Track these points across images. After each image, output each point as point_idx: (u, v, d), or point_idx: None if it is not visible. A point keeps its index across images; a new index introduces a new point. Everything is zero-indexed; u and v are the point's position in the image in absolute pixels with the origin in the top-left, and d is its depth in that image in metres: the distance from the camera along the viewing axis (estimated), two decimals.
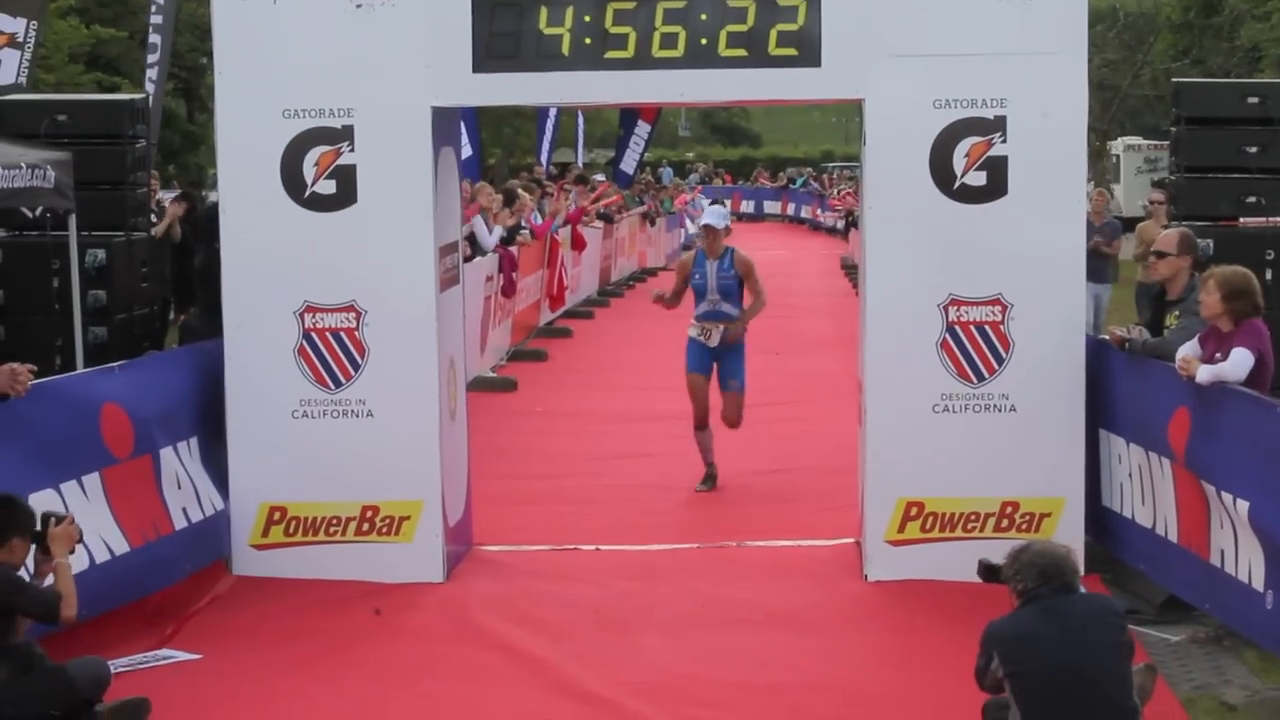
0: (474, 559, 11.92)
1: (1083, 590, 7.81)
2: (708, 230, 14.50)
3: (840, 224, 47.34)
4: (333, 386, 11.31)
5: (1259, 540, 9.06)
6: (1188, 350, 9.98)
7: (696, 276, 14.38)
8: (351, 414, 11.32)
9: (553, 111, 33.28)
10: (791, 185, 67.94)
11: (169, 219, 18.19)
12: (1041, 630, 7.50)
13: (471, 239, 18.93)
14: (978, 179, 11.03)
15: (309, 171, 11.24)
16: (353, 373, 11.30)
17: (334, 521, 11.34)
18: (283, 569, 11.30)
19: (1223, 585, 9.54)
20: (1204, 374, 9.73)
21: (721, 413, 14.51)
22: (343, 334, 11.29)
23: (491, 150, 43.48)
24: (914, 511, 11.17)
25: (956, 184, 11.04)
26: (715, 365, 14.42)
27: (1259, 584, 9.11)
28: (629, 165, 35.65)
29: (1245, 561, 9.26)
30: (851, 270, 27.31)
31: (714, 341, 14.33)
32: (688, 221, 48.74)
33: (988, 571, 8.01)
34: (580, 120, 40.90)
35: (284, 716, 8.84)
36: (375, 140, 11.21)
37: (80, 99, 19.75)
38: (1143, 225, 16.90)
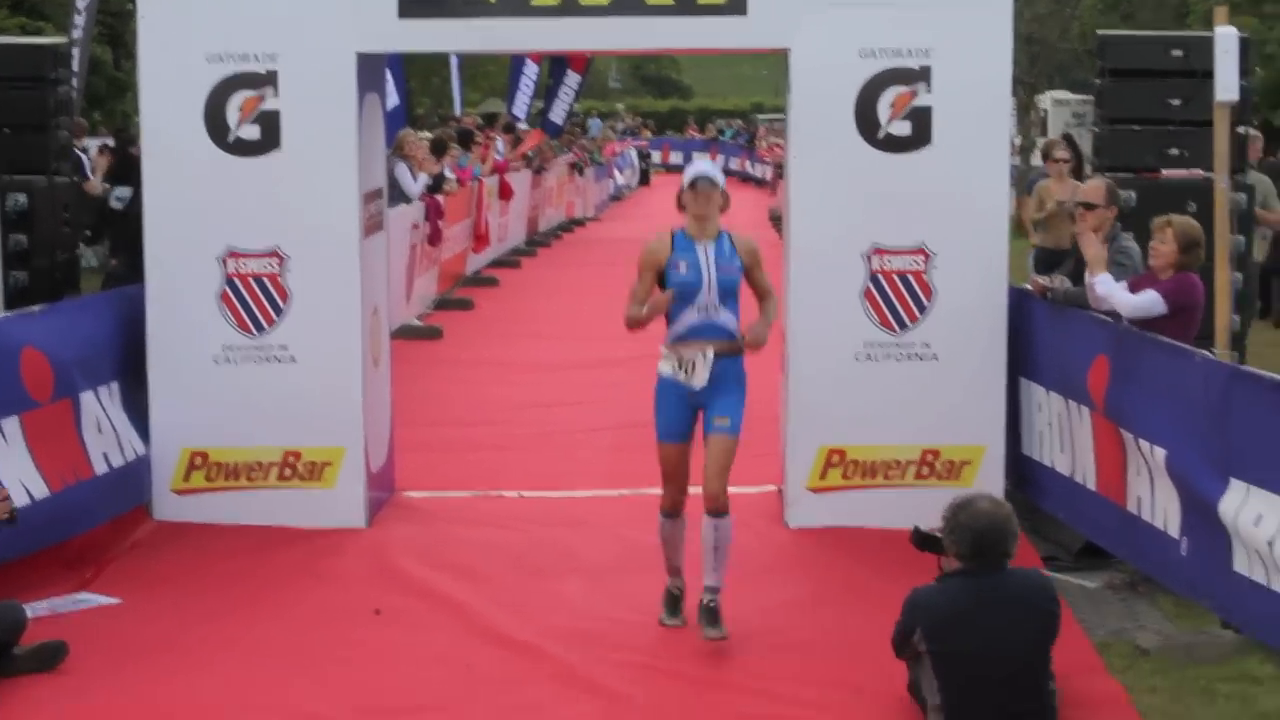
0: (396, 505, 11.92)
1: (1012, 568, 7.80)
2: (698, 192, 9.22)
3: (769, 176, 47.34)
4: (255, 332, 11.26)
5: (1175, 488, 9.15)
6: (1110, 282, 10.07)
7: (680, 270, 9.16)
8: (274, 360, 11.28)
9: (529, 62, 33.09)
10: (720, 137, 67.87)
11: (100, 172, 18.09)
12: (969, 609, 7.50)
13: (396, 187, 18.83)
14: (902, 129, 11.07)
15: (232, 116, 11.17)
16: (275, 318, 11.26)
17: (256, 467, 11.31)
18: (204, 514, 11.26)
19: (1139, 532, 9.64)
20: (1103, 285, 9.88)
21: (706, 474, 9.19)
22: (266, 280, 11.24)
23: (420, 100, 43.24)
24: (835, 459, 11.23)
25: (881, 133, 11.08)
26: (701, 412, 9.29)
27: (1174, 531, 9.21)
28: (558, 115, 35.49)
29: (1161, 509, 9.36)
30: (779, 222, 27.39)
31: (699, 380, 9.12)
32: (616, 172, 48.72)
33: (923, 540, 8.02)
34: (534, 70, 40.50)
35: (204, 661, 8.82)
36: (299, 86, 11.14)
37: (2, 42, 19.51)
38: (1043, 184, 16.81)
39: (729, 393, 9.18)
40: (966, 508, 7.68)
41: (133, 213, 12.95)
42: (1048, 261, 14.77)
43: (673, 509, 9.49)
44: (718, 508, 9.15)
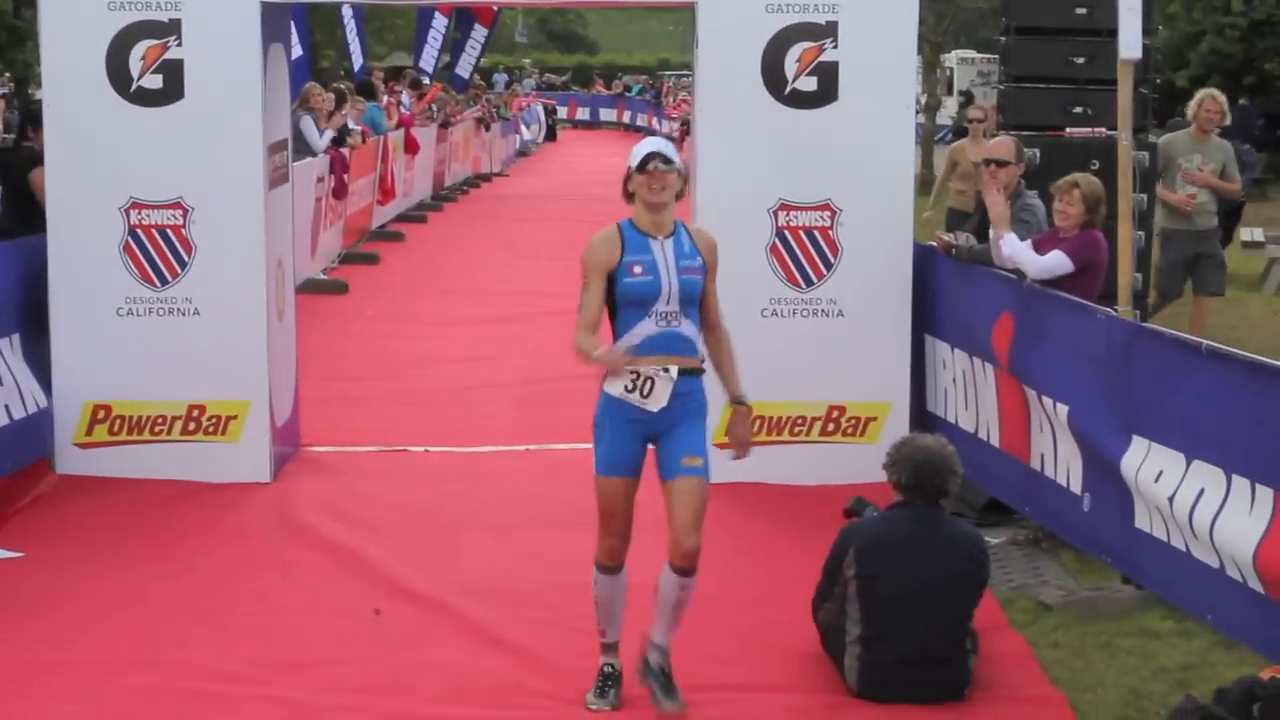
0: (301, 460, 11.85)
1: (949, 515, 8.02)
2: (651, 175, 7.58)
3: (676, 133, 47.31)
4: (159, 284, 11.15)
5: (1077, 444, 9.22)
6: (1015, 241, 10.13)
7: (635, 273, 7.54)
8: (178, 312, 11.17)
9: (437, 15, 32.81)
10: (627, 93, 67.76)
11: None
12: (902, 536, 7.69)
13: (301, 140, 18.67)
14: (809, 84, 11.06)
15: (135, 66, 11.02)
16: (179, 270, 11.14)
17: (159, 420, 11.20)
18: (107, 468, 11.15)
19: (1042, 488, 9.71)
20: (1008, 244, 9.94)
21: (672, 527, 7.59)
22: (169, 231, 11.12)
23: (325, 53, 42.86)
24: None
25: (788, 89, 11.07)
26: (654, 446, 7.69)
27: (1077, 487, 9.28)
28: (464, 69, 35.33)
29: (1064, 465, 9.42)
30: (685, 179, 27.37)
31: (657, 402, 7.51)
32: (522, 127, 48.53)
33: (856, 511, 8.27)
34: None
35: (106, 615, 8.75)
36: (203, 35, 11.01)
37: None
38: (958, 145, 16.84)
39: (693, 425, 7.57)
40: (910, 442, 7.98)
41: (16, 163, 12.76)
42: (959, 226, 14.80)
43: (612, 561, 7.72)
44: (691, 565, 7.55)
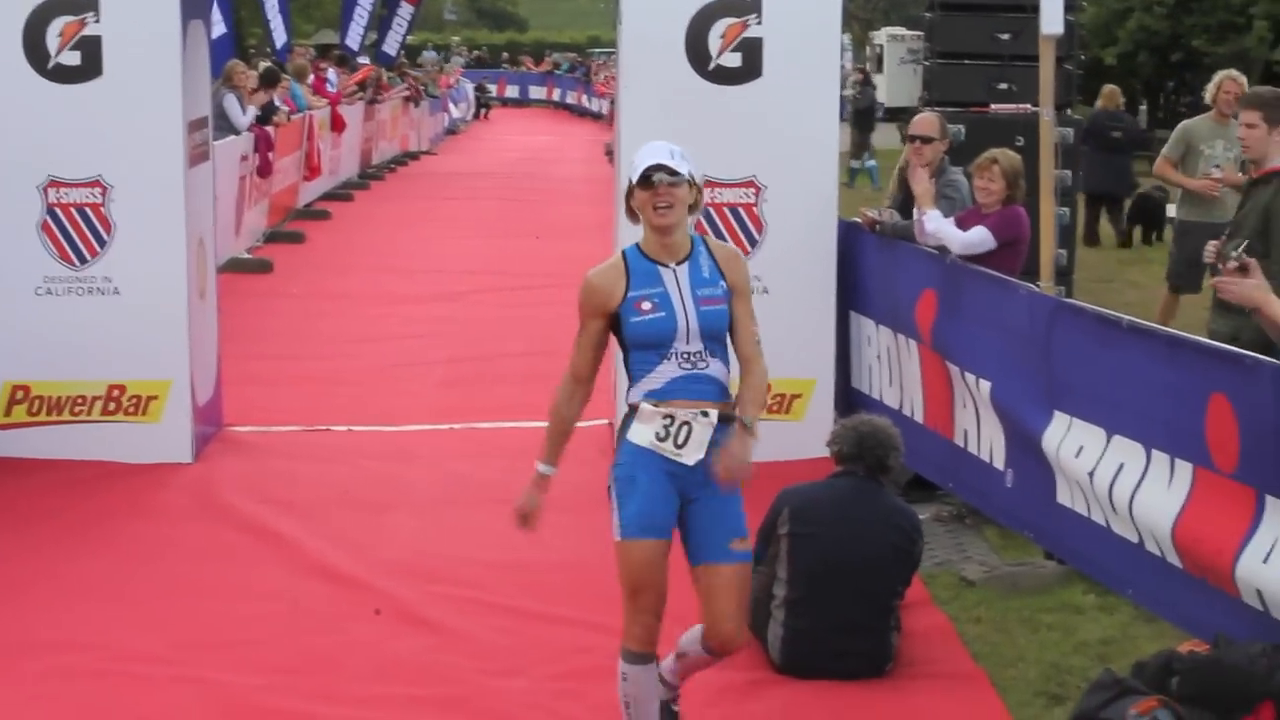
0: (223, 440, 11.75)
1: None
2: (656, 190, 6.36)
3: (605, 110, 47.25)
4: (78, 263, 11.03)
5: (1000, 420, 9.24)
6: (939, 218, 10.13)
7: (643, 311, 6.40)
8: (97, 291, 11.06)
9: None
10: (557, 70, 67.62)
11: None
12: (838, 500, 7.76)
13: (224, 118, 18.53)
14: (733, 60, 11.02)
15: (52, 42, 10.89)
16: (99, 249, 11.03)
17: (79, 401, 11.09)
18: (27, 449, 11.02)
19: (965, 464, 9.73)
20: (932, 221, 9.95)
21: (709, 613, 6.57)
22: (88, 209, 11.01)
23: (252, 30, 42.58)
24: None
25: (712, 65, 11.03)
26: (683, 511, 6.52)
27: (1000, 463, 9.30)
28: (391, 47, 35.14)
29: (987, 441, 9.44)
30: (614, 156, 27.50)
31: (695, 451, 6.41)
32: (450, 105, 48.34)
33: None
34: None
35: (24, 596, 8.66)
36: (122, 11, 10.90)
37: None
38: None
39: (733, 492, 6.46)
40: (855, 417, 8.10)
41: None
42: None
43: (644, 647, 6.51)
44: (729, 652, 6.67)
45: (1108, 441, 8.20)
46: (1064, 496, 8.60)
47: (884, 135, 35.17)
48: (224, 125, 18.27)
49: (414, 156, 37.56)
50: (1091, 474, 8.23)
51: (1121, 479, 8.02)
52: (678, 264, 6.43)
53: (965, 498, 9.94)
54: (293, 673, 7.76)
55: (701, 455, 6.37)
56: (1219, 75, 14.07)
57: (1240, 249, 7.58)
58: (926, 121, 10.98)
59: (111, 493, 10.47)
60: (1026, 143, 11.45)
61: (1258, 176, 9.15)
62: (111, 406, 11.11)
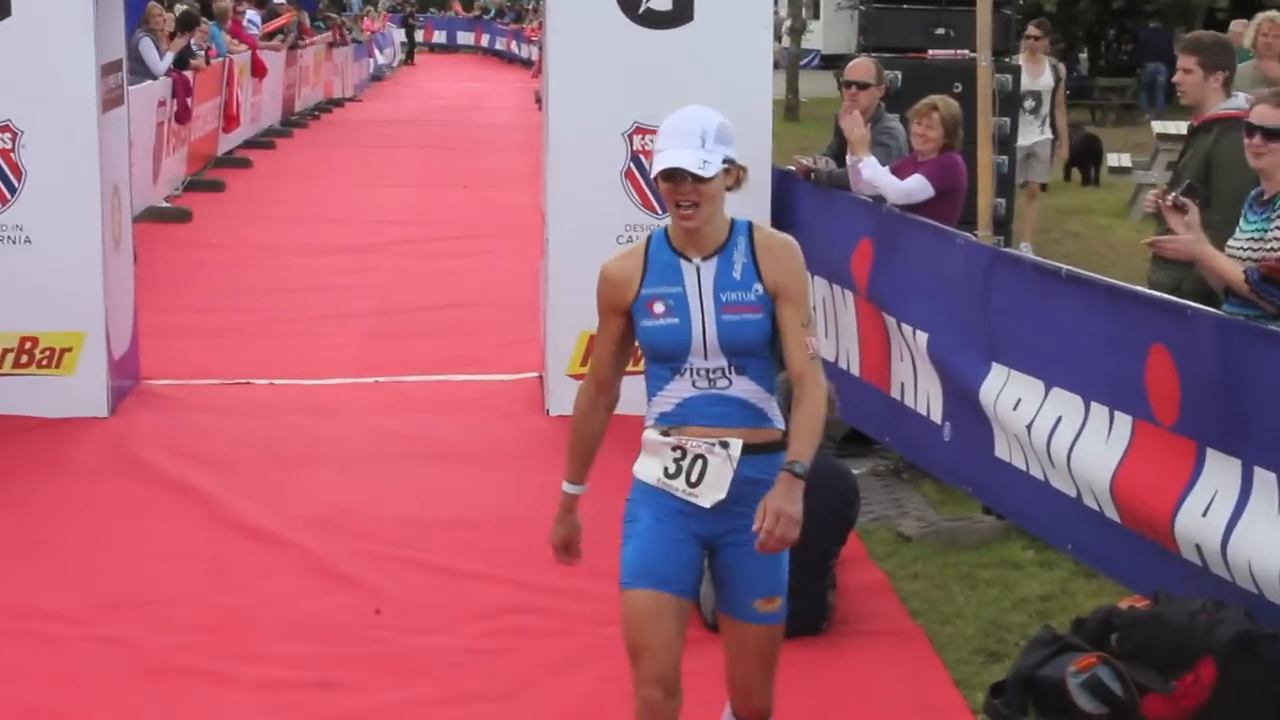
0: (140, 393, 11.48)
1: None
2: (679, 189, 5.29)
3: (535, 56, 46.92)
4: None
5: (937, 373, 9.09)
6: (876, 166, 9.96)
7: (655, 314, 5.36)
8: (8, 240, 10.78)
9: None
10: (485, 16, 67.06)
11: None
12: None
13: (141, 63, 18.16)
14: (663, 4, 10.83)
15: None
16: (9, 197, 10.74)
17: None
18: None
19: (902, 418, 9.58)
20: (869, 168, 9.79)
21: (733, 680, 5.63)
22: None
23: None
24: None
25: (642, 9, 10.83)
26: (706, 557, 5.49)
27: (937, 417, 9.16)
28: None
29: (924, 394, 9.29)
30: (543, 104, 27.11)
31: (714, 491, 5.33)
32: (375, 51, 47.88)
33: None
34: None
35: None
36: None
37: None
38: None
39: (769, 558, 5.36)
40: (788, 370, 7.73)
41: None
42: None
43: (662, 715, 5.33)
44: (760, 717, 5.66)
45: (1046, 394, 8.08)
46: (1002, 450, 8.47)
47: (820, 83, 35.03)
48: (140, 70, 17.89)
49: (338, 104, 37.15)
50: (1029, 427, 8.11)
51: (1060, 432, 7.92)
52: (705, 258, 5.32)
53: (902, 452, 9.80)
54: (209, 631, 7.56)
55: (721, 496, 5.26)
56: (1258, 17, 13.11)
57: (1179, 190, 7.45)
58: (862, 67, 10.80)
59: (24, 447, 10.20)
60: (964, 89, 11.27)
61: (1198, 124, 9.00)
62: (24, 359, 10.85)
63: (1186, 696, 6.46)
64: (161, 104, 19.15)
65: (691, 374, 5.32)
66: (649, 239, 5.45)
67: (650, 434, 5.40)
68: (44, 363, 10.85)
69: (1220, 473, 6.88)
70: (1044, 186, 17.36)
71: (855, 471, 8.54)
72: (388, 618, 7.74)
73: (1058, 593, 8.01)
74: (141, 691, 6.97)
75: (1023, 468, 8.29)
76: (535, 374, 11.71)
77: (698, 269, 5.33)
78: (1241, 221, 7.49)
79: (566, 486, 5.66)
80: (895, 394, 9.62)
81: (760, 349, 5.31)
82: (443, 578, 8.23)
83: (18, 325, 10.79)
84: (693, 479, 5.31)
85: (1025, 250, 11.22)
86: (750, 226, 5.44)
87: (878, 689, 7.13)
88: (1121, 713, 6.42)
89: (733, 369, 5.31)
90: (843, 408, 8.31)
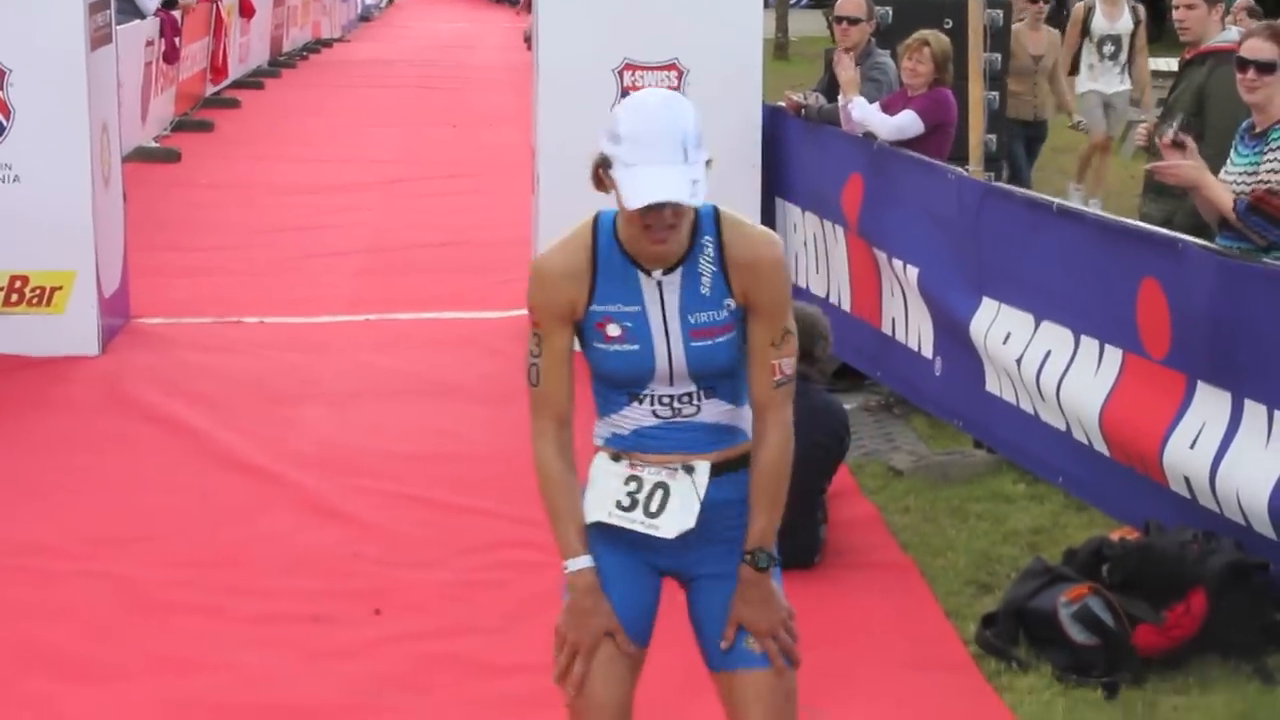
0: (131, 332, 11.46)
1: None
2: (653, 224, 4.23)
3: None
4: None
5: (927, 307, 9.10)
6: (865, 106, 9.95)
7: (608, 334, 4.37)
8: None
9: None
10: None
11: None
12: None
13: (130, 3, 18.07)
14: None
15: None
16: None
17: None
18: None
19: (894, 353, 9.61)
20: (858, 108, 9.78)
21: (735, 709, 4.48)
22: None
23: None
24: None
25: None
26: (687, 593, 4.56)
27: (928, 351, 9.18)
28: None
29: (915, 329, 9.31)
30: (530, 42, 26.89)
31: (679, 522, 4.38)
32: None
33: None
34: None
35: None
36: None
37: None
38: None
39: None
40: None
41: None
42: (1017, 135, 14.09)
43: None
44: None
45: (1036, 327, 8.11)
46: (993, 385, 8.50)
47: (809, 21, 34.90)
48: (128, 9, 17.80)
49: (326, 44, 36.98)
50: (1019, 361, 8.14)
51: (1049, 365, 7.96)
52: (666, 271, 4.34)
53: (893, 387, 9.81)
54: (203, 566, 7.56)
55: (690, 525, 4.37)
56: None
57: (1176, 125, 7.45)
58: (852, 2, 10.78)
59: (15, 385, 10.19)
60: (955, 25, 11.22)
61: (1191, 57, 9.00)
62: (14, 298, 10.83)
63: (1177, 626, 6.52)
64: (149, 44, 19.05)
65: (653, 401, 4.41)
66: (594, 229, 4.38)
67: (600, 461, 4.47)
68: (34, 301, 10.82)
69: (1209, 405, 6.92)
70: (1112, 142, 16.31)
71: (846, 407, 8.58)
72: (379, 552, 7.74)
73: (1048, 526, 8.00)
74: (136, 625, 6.98)
75: (1013, 402, 8.32)
76: (526, 311, 11.69)
77: (659, 285, 4.34)
78: (1233, 154, 7.49)
79: (572, 564, 4.41)
80: (886, 329, 9.63)
81: (735, 368, 4.41)
82: (435, 512, 8.24)
83: (7, 264, 10.75)
84: (652, 509, 4.40)
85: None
86: (717, 221, 4.35)
87: (870, 620, 7.14)
88: (1112, 643, 6.47)
89: (701, 394, 4.40)
90: (834, 344, 8.33)
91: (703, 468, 4.41)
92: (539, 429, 4.41)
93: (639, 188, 4.16)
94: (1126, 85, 15.55)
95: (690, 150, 4.19)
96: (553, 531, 4.40)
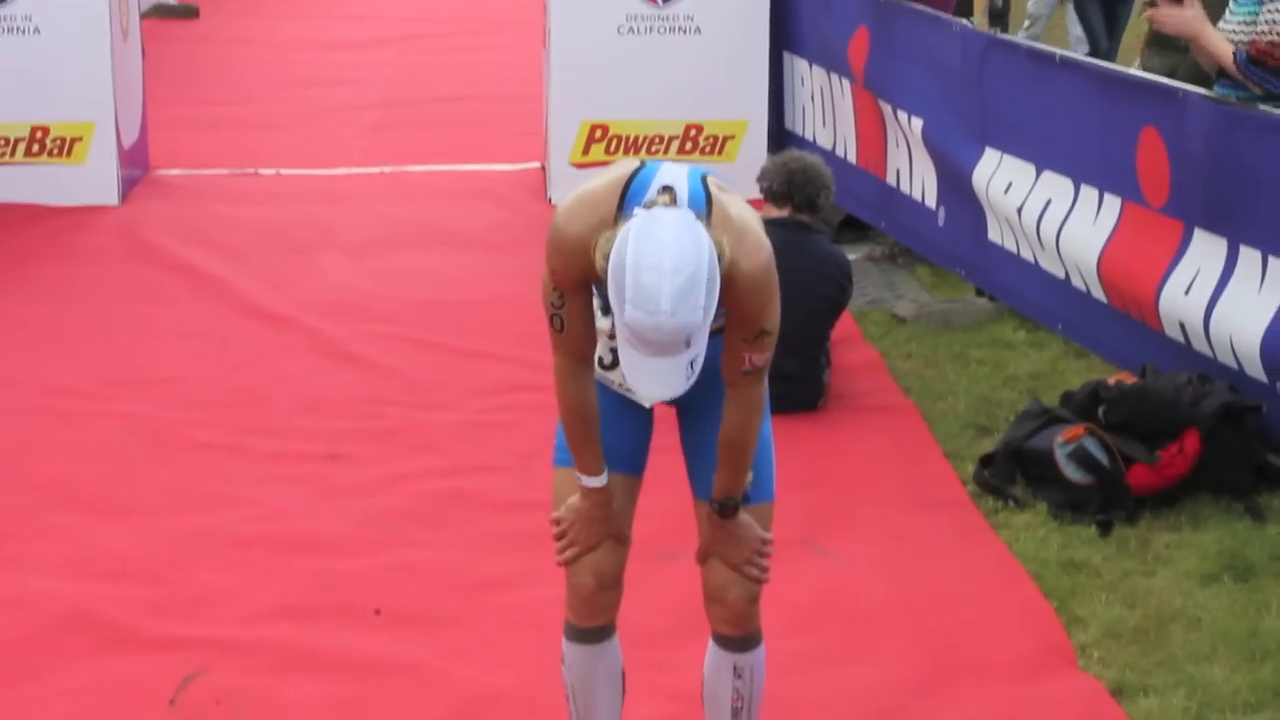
0: (150, 183, 11.59)
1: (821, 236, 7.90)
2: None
3: None
4: None
5: (932, 158, 9.19)
6: None
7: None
8: (18, 31, 10.80)
9: None
10: None
11: None
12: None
13: None
14: None
15: None
16: None
17: (3, 143, 10.90)
18: None
19: (898, 204, 9.70)
20: None
21: (705, 573, 4.54)
22: None
23: None
24: (598, 134, 11.09)
25: None
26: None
27: (931, 202, 9.28)
28: None
29: (919, 180, 9.41)
30: None
31: (665, 388, 4.10)
32: None
33: None
34: None
35: None
36: None
37: None
38: None
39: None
40: (786, 154, 7.87)
41: None
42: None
43: (587, 620, 4.59)
44: (744, 631, 4.58)
45: (1037, 177, 8.20)
46: (994, 234, 8.61)
47: None
48: None
49: None
50: (1020, 210, 8.24)
51: (1049, 214, 8.05)
52: None
53: (897, 237, 9.92)
54: (220, 407, 7.73)
55: (664, 395, 4.24)
56: None
57: None
58: None
59: (36, 234, 10.33)
60: None
61: None
62: (35, 148, 10.94)
63: (1171, 466, 6.62)
64: None
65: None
66: (622, 199, 4.16)
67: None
68: (55, 152, 10.94)
69: (1205, 251, 7.02)
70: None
71: (851, 257, 8.73)
72: (394, 393, 7.91)
73: (1048, 371, 8.11)
74: (158, 463, 7.15)
75: (1014, 250, 8.43)
76: (537, 164, 11.82)
77: None
78: (1232, 4, 7.54)
79: (587, 480, 4.44)
80: (891, 180, 9.73)
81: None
82: (448, 356, 8.39)
83: (28, 115, 10.86)
84: (606, 364, 4.48)
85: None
86: (709, 222, 4.10)
87: (871, 461, 7.26)
88: (1107, 481, 6.57)
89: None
90: (839, 195, 8.46)
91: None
92: (561, 365, 4.38)
93: (638, 380, 4.10)
94: None
95: (694, 337, 3.97)
96: (572, 453, 4.44)
